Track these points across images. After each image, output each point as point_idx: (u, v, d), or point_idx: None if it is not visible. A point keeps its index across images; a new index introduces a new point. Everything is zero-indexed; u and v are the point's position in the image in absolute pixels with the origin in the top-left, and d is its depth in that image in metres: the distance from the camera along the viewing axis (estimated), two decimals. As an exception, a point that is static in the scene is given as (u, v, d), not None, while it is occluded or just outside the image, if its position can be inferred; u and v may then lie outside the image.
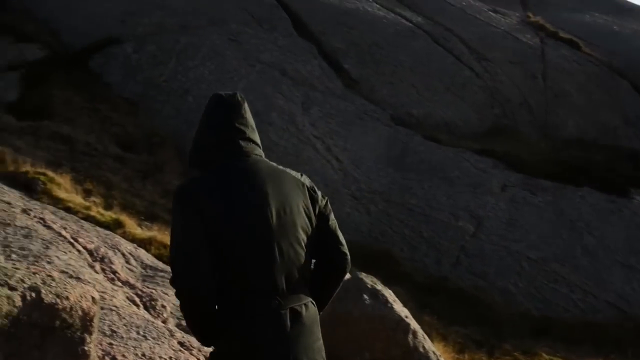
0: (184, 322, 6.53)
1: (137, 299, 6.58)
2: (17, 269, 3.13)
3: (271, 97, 15.21)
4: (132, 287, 6.83)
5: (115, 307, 5.84)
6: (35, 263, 6.39)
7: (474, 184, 14.63)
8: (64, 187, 9.36)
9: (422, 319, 8.78)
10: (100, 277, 6.80)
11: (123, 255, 7.58)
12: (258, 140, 2.66)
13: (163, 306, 6.60)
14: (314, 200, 2.54)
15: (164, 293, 6.89)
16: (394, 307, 6.67)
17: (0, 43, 15.71)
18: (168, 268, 7.90)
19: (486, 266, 12.63)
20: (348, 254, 2.59)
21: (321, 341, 2.41)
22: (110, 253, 7.38)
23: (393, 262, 11.75)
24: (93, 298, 3.31)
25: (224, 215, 2.31)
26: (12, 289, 2.95)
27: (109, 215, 9.01)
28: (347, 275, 8.90)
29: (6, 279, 2.97)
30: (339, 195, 13.37)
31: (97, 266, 7.05)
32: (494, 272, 12.55)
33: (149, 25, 16.93)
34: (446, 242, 13.02)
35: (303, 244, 2.39)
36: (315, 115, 15.42)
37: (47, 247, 6.89)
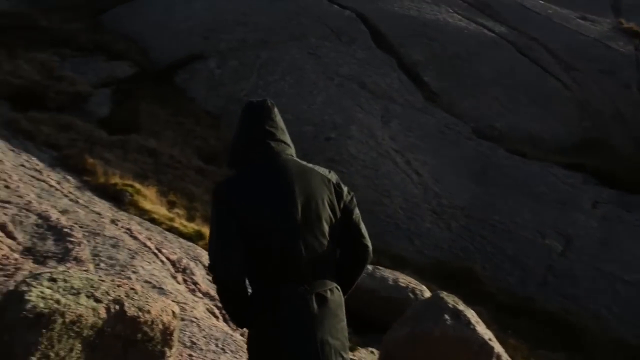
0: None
1: (216, 311, 6.65)
2: (102, 281, 3.18)
3: (350, 110, 15.17)
4: (212, 298, 6.91)
5: (196, 318, 5.92)
6: (122, 272, 6.60)
7: (562, 200, 13.92)
8: (150, 199, 9.66)
9: (507, 341, 8.36)
10: (182, 287, 6.93)
11: (204, 266, 7.71)
12: (289, 141, 2.89)
13: (242, 319, 6.64)
14: (339, 195, 2.77)
15: (242, 306, 6.93)
16: (476, 328, 6.35)
17: (94, 61, 16.59)
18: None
19: (576, 288, 11.93)
20: (370, 245, 2.84)
21: (345, 322, 2.68)
22: (192, 264, 7.53)
23: (475, 280, 11.31)
24: (174, 312, 3.32)
25: (254, 211, 2.58)
26: (97, 301, 3.00)
27: (191, 226, 9.20)
28: (427, 293, 8.64)
29: (92, 291, 3.03)
30: (419, 210, 13.08)
31: (179, 277, 7.20)
32: (584, 294, 11.82)
33: (231, 41, 17.38)
34: (532, 260, 12.42)
35: (327, 235, 2.65)
36: (394, 129, 15.23)
37: (133, 257, 7.10)
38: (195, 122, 14.13)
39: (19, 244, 6.88)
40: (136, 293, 3.20)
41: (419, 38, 18.58)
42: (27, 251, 6.74)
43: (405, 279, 9.48)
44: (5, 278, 6.04)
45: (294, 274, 2.54)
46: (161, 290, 6.28)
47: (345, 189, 2.84)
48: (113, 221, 8.19)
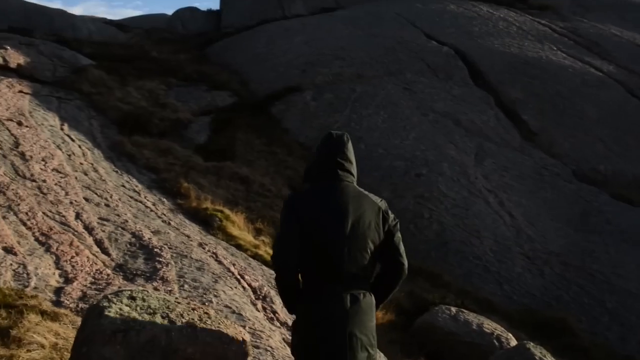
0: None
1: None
2: (178, 303, 3.24)
3: (443, 147, 14.91)
4: (289, 328, 6.90)
5: (271, 347, 5.90)
6: (204, 295, 6.74)
7: (670, 253, 12.85)
8: (238, 225, 9.87)
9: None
10: (261, 315, 6.97)
11: None
12: (354, 172, 3.40)
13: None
14: (385, 220, 3.30)
15: (320, 338, 6.86)
16: (566, 385, 5.93)
17: (197, 90, 17.43)
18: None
19: (683, 349, 10.89)
20: (406, 264, 3.34)
21: (374, 323, 3.19)
22: (272, 293, 7.56)
23: (568, 332, 10.57)
24: (244, 340, 3.31)
25: (313, 222, 3.16)
26: (171, 322, 3.05)
27: (275, 255, 9.28)
28: (513, 342, 8.15)
29: (168, 312, 3.09)
30: (510, 253, 12.51)
31: (259, 304, 7.25)
32: (692, 356, 10.76)
33: (327, 74, 17.69)
34: (634, 316, 11.47)
35: (369, 251, 3.19)
36: (488, 168, 14.78)
37: (216, 281, 7.25)
38: (287, 152, 14.40)
39: (112, 260, 7.24)
40: (209, 317, 3.23)
41: (519, 76, 18.06)
42: (119, 268, 7.06)
43: (490, 325, 9.04)
44: (97, 292, 6.35)
45: (336, 276, 3.12)
46: (240, 316, 6.34)
47: (391, 215, 3.37)
48: (201, 244, 8.43)
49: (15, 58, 15.28)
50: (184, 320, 3.11)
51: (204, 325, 3.14)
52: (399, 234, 3.37)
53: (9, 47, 15.86)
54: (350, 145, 3.40)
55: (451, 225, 12.69)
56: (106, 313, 2.92)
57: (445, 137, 15.35)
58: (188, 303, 3.33)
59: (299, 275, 3.18)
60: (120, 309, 2.97)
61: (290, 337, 6.55)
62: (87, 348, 2.86)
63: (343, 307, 3.07)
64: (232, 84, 18.17)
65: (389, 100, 16.38)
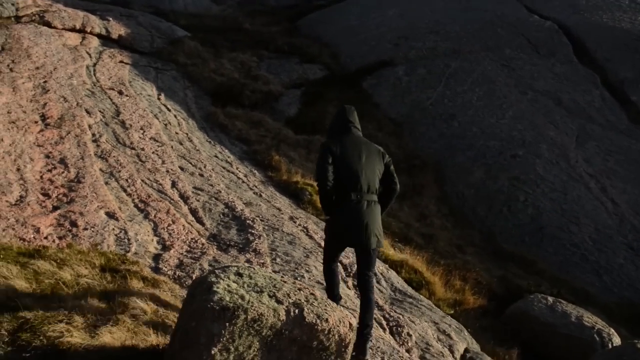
0: (427, 355, 6.23)
1: (384, 322, 6.46)
2: (284, 282, 3.14)
3: (542, 127, 14.13)
4: (380, 308, 6.75)
5: (363, 327, 5.78)
6: (296, 270, 6.70)
7: None
8: (327, 200, 9.77)
9: None
10: (352, 293, 6.85)
11: (374, 274, 7.58)
12: (359, 127, 5.13)
13: (409, 334, 6.37)
14: (383, 157, 5.03)
15: (410, 321, 6.66)
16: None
17: (288, 63, 17.39)
18: (417, 295, 7.68)
19: None
20: (398, 186, 5.10)
21: (380, 221, 4.91)
22: (363, 271, 7.45)
23: (676, 330, 9.84)
24: (350, 324, 3.18)
25: (341, 156, 4.78)
26: (278, 302, 2.96)
27: (365, 232, 9.13)
28: (616, 339, 7.66)
29: (275, 291, 2.99)
30: (612, 243, 11.75)
31: (350, 282, 7.14)
32: None
33: (421, 49, 17.15)
34: None
35: (376, 175, 4.87)
36: (591, 151, 13.89)
37: (307, 256, 7.20)
38: (377, 127, 14.10)
39: (206, 229, 7.34)
40: (316, 299, 3.11)
41: (630, 53, 16.76)
42: (213, 237, 7.15)
43: (590, 318, 8.51)
44: (192, 260, 6.45)
45: (356, 190, 4.76)
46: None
47: (386, 155, 5.09)
48: (291, 218, 8.41)
49: (117, 29, 15.79)
50: (290, 301, 3.00)
51: (311, 307, 3.03)
52: (392, 167, 5.09)
53: (110, 19, 16.40)
54: (355, 113, 5.18)
55: (548, 210, 12.05)
56: (214, 289, 2.86)
57: (545, 117, 14.53)
58: (294, 282, 3.23)
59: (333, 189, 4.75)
60: (228, 285, 2.90)
61: (383, 318, 6.42)
62: (196, 323, 2.82)
63: (362, 207, 4.75)
64: (323, 57, 17.97)
65: (486, 77, 15.67)
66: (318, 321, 3.00)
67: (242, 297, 2.85)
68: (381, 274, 7.63)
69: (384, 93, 15.67)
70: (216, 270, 3.08)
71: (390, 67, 16.58)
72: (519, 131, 13.81)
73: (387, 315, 6.60)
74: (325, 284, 5.33)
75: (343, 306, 6.10)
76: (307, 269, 6.72)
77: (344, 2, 23.96)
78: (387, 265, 8.16)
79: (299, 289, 3.14)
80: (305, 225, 8.21)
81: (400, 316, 6.65)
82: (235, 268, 3.12)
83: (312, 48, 18.75)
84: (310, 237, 7.83)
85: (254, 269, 3.18)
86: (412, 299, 7.36)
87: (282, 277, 3.35)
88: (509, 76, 15.72)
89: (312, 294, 3.16)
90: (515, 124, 14.06)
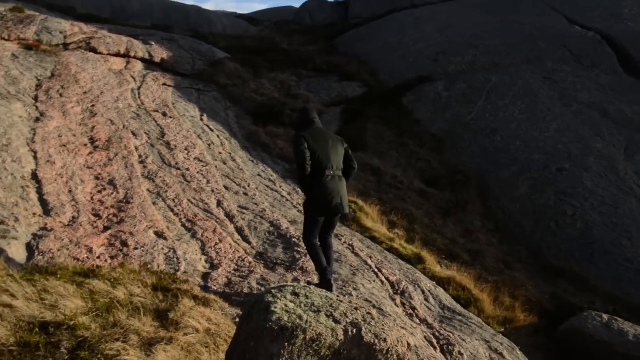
0: (480, 375, 6.07)
1: (434, 340, 6.34)
2: (340, 301, 3.11)
3: (588, 139, 13.81)
4: (429, 326, 6.64)
5: (415, 346, 5.69)
6: (343, 288, 6.65)
7: None
8: (371, 217, 9.73)
9: None
10: (400, 310, 6.76)
11: (422, 292, 7.46)
12: (319, 121, 6.25)
13: (460, 353, 6.23)
14: (342, 143, 6.11)
15: (461, 339, 6.52)
16: None
17: (327, 81, 17.50)
18: (467, 312, 7.52)
19: None
20: (355, 164, 6.19)
21: (346, 189, 6.03)
22: (410, 288, 7.33)
23: None
24: (408, 344, 3.12)
25: (314, 144, 5.77)
26: (336, 321, 2.93)
27: (410, 249, 9.04)
28: None
29: (331, 311, 2.96)
30: (667, 259, 11.32)
31: (398, 299, 7.04)
32: None
33: (460, 63, 17.04)
34: None
35: (340, 157, 5.96)
36: (640, 162, 13.51)
37: (354, 274, 7.14)
38: (419, 143, 14.03)
39: (252, 247, 7.36)
40: (373, 318, 3.07)
41: (680, 62, 16.32)
42: (259, 256, 7.17)
43: (649, 337, 8.19)
44: (240, 279, 6.47)
45: (329, 167, 5.79)
46: (380, 311, 6.17)
47: (344, 142, 6.18)
48: (336, 235, 8.36)
49: (159, 53, 16.17)
50: (348, 320, 2.97)
51: (368, 326, 2.99)
52: (350, 151, 6.20)
53: (153, 43, 16.82)
54: (315, 111, 6.42)
55: (598, 224, 11.73)
56: (272, 308, 2.85)
57: (591, 129, 14.21)
58: (349, 302, 3.19)
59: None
60: (285, 305, 2.89)
61: (433, 336, 6.31)
62: (255, 342, 2.81)
63: (334, 179, 5.88)
64: (361, 74, 18.05)
65: (528, 90, 15.44)
66: (376, 340, 2.95)
67: (300, 317, 2.83)
68: (429, 290, 7.52)
69: (424, 109, 15.59)
70: (272, 290, 3.07)
71: (429, 82, 16.51)
72: (564, 144, 13.52)
73: (436, 334, 6.48)
74: (312, 259, 6.09)
75: (383, 313, 6.02)
76: (354, 286, 6.66)
77: (381, 19, 24.07)
78: (434, 282, 8.03)
79: (356, 308, 3.10)
80: (350, 242, 8.16)
81: (451, 334, 6.52)
82: (291, 287, 3.11)
83: (350, 66, 18.85)
84: (356, 255, 7.78)
85: (310, 288, 3.17)
86: (461, 316, 7.21)
87: (337, 296, 3.32)
88: (552, 88, 15.45)
89: (368, 313, 3.12)
90: (560, 136, 13.78)
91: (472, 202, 12.15)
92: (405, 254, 8.76)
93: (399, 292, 7.15)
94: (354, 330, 2.93)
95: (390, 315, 6.26)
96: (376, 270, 7.49)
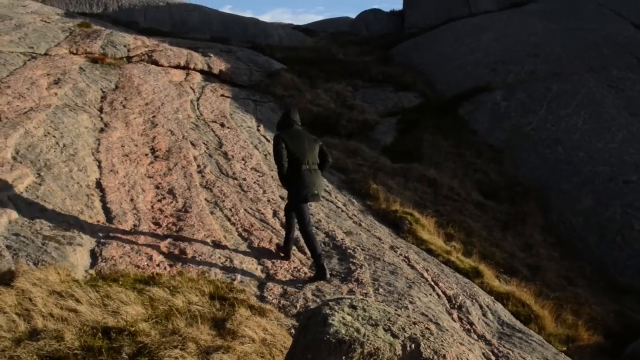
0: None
1: (493, 358, 6.15)
2: (398, 315, 3.05)
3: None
4: (488, 342, 6.45)
5: (474, 364, 5.54)
6: (399, 301, 6.56)
7: None
8: (428, 229, 9.57)
9: None
10: (457, 325, 6.61)
11: (480, 307, 7.27)
12: (299, 123, 7.07)
13: (520, 371, 6.04)
14: (317, 142, 6.94)
15: (521, 357, 6.30)
16: None
17: (383, 91, 17.44)
18: (527, 329, 7.28)
19: None
20: (330, 159, 7.05)
21: (322, 180, 6.92)
22: (468, 302, 7.16)
23: None
24: (469, 361, 3.03)
25: (292, 144, 6.65)
26: (394, 336, 2.88)
27: (468, 262, 8.84)
28: None
29: (390, 325, 2.91)
30: None
31: (455, 314, 6.89)
32: None
33: (520, 72, 16.65)
34: None
35: (316, 153, 6.81)
36: None
37: (410, 287, 7.04)
38: (476, 154, 13.76)
39: (308, 258, 7.36)
40: (432, 334, 3.00)
41: None
42: (315, 267, 7.16)
43: None
44: (296, 290, 6.48)
45: (305, 162, 6.64)
46: (437, 326, 6.05)
47: (319, 141, 7.06)
48: (392, 247, 8.28)
49: (218, 64, 16.51)
50: (406, 335, 2.91)
51: (427, 342, 2.92)
52: (324, 147, 7.02)
53: (212, 55, 17.20)
54: (297, 113, 7.16)
55: (669, 241, 11.17)
56: (330, 321, 2.82)
57: (662, 140, 13.59)
58: (408, 316, 3.13)
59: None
60: (343, 318, 2.86)
61: (492, 353, 6.14)
62: (312, 355, 2.79)
63: (310, 172, 6.70)
64: (417, 84, 17.90)
65: (591, 99, 14.92)
66: (435, 357, 2.88)
67: (358, 331, 2.80)
68: (487, 306, 7.32)
69: (482, 119, 15.30)
70: (329, 302, 3.05)
71: (487, 92, 16.20)
72: (631, 155, 12.97)
73: (495, 351, 6.29)
74: (307, 246, 6.93)
75: (440, 328, 5.89)
76: (410, 299, 6.56)
77: (437, 29, 23.85)
78: (492, 297, 7.82)
79: (414, 323, 3.04)
80: (406, 255, 8.06)
81: (510, 352, 6.31)
82: (349, 300, 3.07)
83: (407, 76, 18.73)
84: (412, 267, 7.67)
85: (367, 301, 3.12)
86: (521, 333, 6.98)
87: (395, 310, 3.26)
88: (618, 97, 14.88)
89: (427, 328, 3.05)
90: (626, 147, 13.23)
91: (532, 215, 11.79)
92: (463, 267, 8.57)
93: (456, 306, 7.00)
94: (413, 346, 2.87)
95: (447, 330, 6.13)
96: (433, 283, 7.36)
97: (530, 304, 8.10)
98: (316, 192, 6.74)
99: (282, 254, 7.11)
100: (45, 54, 13.36)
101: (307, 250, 7.48)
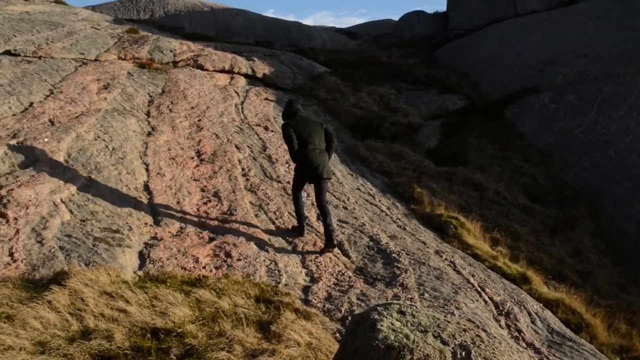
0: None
1: (543, 368, 6.01)
2: (448, 322, 3.00)
3: None
4: (537, 351, 6.29)
5: (523, 372, 5.40)
6: (445, 307, 6.46)
7: None
8: (473, 234, 9.41)
9: None
10: (505, 333, 6.46)
11: (529, 314, 7.10)
12: (303, 111, 8.09)
13: (572, 382, 5.86)
14: (322, 125, 7.85)
15: (572, 366, 6.13)
16: None
17: (427, 94, 17.26)
18: (578, 338, 7.07)
19: None
20: (335, 140, 7.94)
21: (328, 161, 7.62)
22: (515, 309, 7.00)
23: None
24: (522, 371, 2.94)
25: (297, 127, 7.56)
26: (444, 343, 2.82)
27: (515, 268, 8.64)
28: None
29: (439, 331, 2.86)
30: None
31: (502, 321, 6.74)
32: None
33: (569, 73, 16.22)
34: None
35: (322, 136, 7.65)
36: None
37: (456, 292, 6.92)
38: (523, 158, 13.46)
39: (352, 262, 7.33)
40: (482, 341, 2.93)
41: None
42: (359, 271, 7.12)
43: None
44: (340, 293, 6.45)
45: (312, 144, 7.46)
46: (485, 333, 5.93)
47: (324, 124, 8.00)
48: (437, 252, 8.17)
49: (261, 68, 16.65)
50: (456, 342, 2.85)
51: (478, 350, 2.85)
52: (329, 129, 7.92)
53: (256, 59, 17.36)
54: (299, 103, 8.20)
55: None
56: (378, 326, 2.79)
57: None
58: (458, 323, 3.06)
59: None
60: (392, 324, 2.82)
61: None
62: (361, 361, 2.76)
63: (317, 153, 7.45)
64: (462, 86, 17.64)
65: (644, 101, 14.42)
66: (486, 365, 2.81)
67: (407, 337, 2.75)
68: (535, 313, 7.14)
69: (529, 121, 14.96)
70: (378, 307, 3.01)
71: (534, 94, 15.84)
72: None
73: (544, 358, 6.13)
74: (294, 206, 7.80)
75: (488, 335, 5.75)
76: (456, 305, 6.45)
77: (482, 30, 23.48)
78: (541, 304, 7.62)
79: (464, 330, 2.97)
80: (452, 259, 7.94)
81: (561, 361, 6.14)
82: (397, 306, 3.03)
83: (451, 78, 18.50)
84: (458, 272, 7.55)
85: (416, 306, 3.08)
86: (572, 342, 6.78)
87: (445, 317, 3.20)
88: (673, 99, 14.33)
89: (478, 335, 2.98)
90: (682, 151, 12.73)
91: (582, 220, 11.45)
92: (510, 273, 8.39)
93: (503, 313, 6.85)
94: (463, 354, 2.80)
95: (495, 337, 6.00)
96: (479, 289, 7.22)
97: (580, 311, 7.85)
98: (321, 168, 7.41)
99: (296, 233, 7.72)
100: (95, 60, 13.72)
101: (351, 254, 7.46)
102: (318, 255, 7.20)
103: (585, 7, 21.28)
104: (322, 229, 7.96)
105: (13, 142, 8.13)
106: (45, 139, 8.44)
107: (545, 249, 10.13)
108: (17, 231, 6.03)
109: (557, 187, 12.42)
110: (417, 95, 17.17)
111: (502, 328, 6.54)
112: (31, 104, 9.75)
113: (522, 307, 7.19)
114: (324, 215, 7.42)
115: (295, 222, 7.90)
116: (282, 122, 7.84)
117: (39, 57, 12.53)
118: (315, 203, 7.79)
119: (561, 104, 15.05)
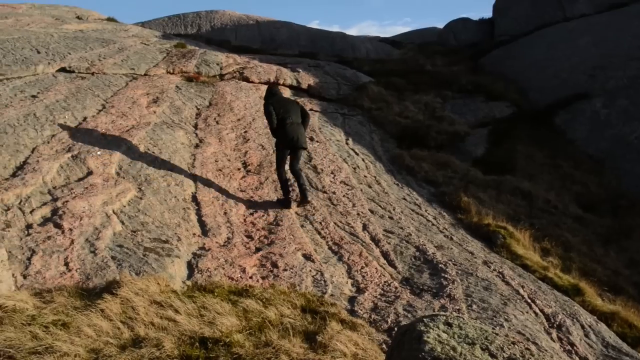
0: None
1: (597, 382, 5.82)
2: (496, 334, 2.94)
3: None
4: (592, 366, 6.10)
5: (576, 387, 5.23)
6: (494, 318, 6.34)
7: None
8: (522, 244, 9.21)
9: None
10: (557, 346, 6.29)
11: (582, 327, 6.88)
12: (281, 93, 9.47)
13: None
14: (298, 104, 9.30)
15: (633, 382, 5.90)
16: None
17: (473, 102, 17.03)
18: (635, 353, 6.81)
19: None
20: (308, 113, 9.37)
21: (304, 133, 9.05)
22: (568, 322, 6.80)
23: None
24: (574, 385, 2.86)
25: (279, 107, 8.92)
26: (492, 355, 2.77)
27: (567, 279, 8.40)
28: None
29: (487, 344, 2.81)
30: None
31: (554, 334, 6.56)
32: None
33: (621, 78, 15.73)
34: None
35: (298, 112, 9.11)
36: None
37: (505, 304, 6.78)
38: (574, 165, 13.10)
39: (398, 272, 7.28)
40: (532, 355, 2.86)
41: None
42: (405, 281, 7.06)
43: None
44: (387, 304, 6.41)
45: (290, 118, 8.83)
46: (536, 346, 5.78)
47: (299, 102, 9.78)
48: (485, 262, 8.03)
49: (306, 79, 16.78)
50: (505, 355, 2.79)
51: (528, 363, 2.78)
52: (303, 107, 9.27)
53: (300, 70, 17.50)
54: (279, 89, 9.55)
55: None
56: (425, 338, 2.76)
57: None
58: (506, 335, 3.01)
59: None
60: (439, 335, 2.79)
61: None
62: (406, 373, 2.73)
63: (294, 126, 8.77)
64: (509, 93, 17.34)
65: None
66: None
67: (454, 349, 2.72)
68: (589, 326, 6.92)
69: (580, 128, 14.57)
70: (424, 319, 2.98)
71: (585, 100, 15.43)
72: None
73: (599, 374, 5.93)
74: (281, 186, 8.78)
75: (539, 348, 5.61)
76: (505, 317, 6.32)
77: (530, 35, 23.06)
78: (595, 317, 7.37)
79: (513, 343, 2.91)
80: (500, 270, 7.78)
81: (618, 376, 5.92)
82: (444, 317, 2.99)
83: (498, 85, 18.21)
84: (507, 283, 7.39)
85: (463, 318, 3.03)
86: (629, 357, 6.53)
87: (492, 329, 3.14)
88: None
89: (527, 348, 2.92)
90: None
91: (638, 229, 11.05)
92: (562, 284, 8.15)
93: (555, 325, 6.66)
94: (512, 367, 2.74)
95: (547, 350, 5.84)
96: (529, 301, 7.05)
97: (638, 325, 7.56)
98: (297, 138, 8.70)
99: (282, 205, 8.55)
100: (145, 75, 14.11)
101: (397, 264, 7.41)
102: (364, 265, 7.17)
103: (637, 9, 20.62)
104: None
105: (68, 155, 8.43)
106: (98, 152, 8.72)
107: (599, 260, 9.81)
108: (72, 241, 6.24)
109: (610, 195, 12.04)
110: (463, 103, 16.96)
111: (554, 341, 6.36)
112: (85, 119, 10.10)
113: (574, 320, 6.98)
114: (297, 178, 8.83)
115: (280, 195, 8.93)
116: (264, 103, 9.11)
117: (92, 73, 12.98)
118: (289, 169, 8.96)
119: (613, 110, 14.61)
